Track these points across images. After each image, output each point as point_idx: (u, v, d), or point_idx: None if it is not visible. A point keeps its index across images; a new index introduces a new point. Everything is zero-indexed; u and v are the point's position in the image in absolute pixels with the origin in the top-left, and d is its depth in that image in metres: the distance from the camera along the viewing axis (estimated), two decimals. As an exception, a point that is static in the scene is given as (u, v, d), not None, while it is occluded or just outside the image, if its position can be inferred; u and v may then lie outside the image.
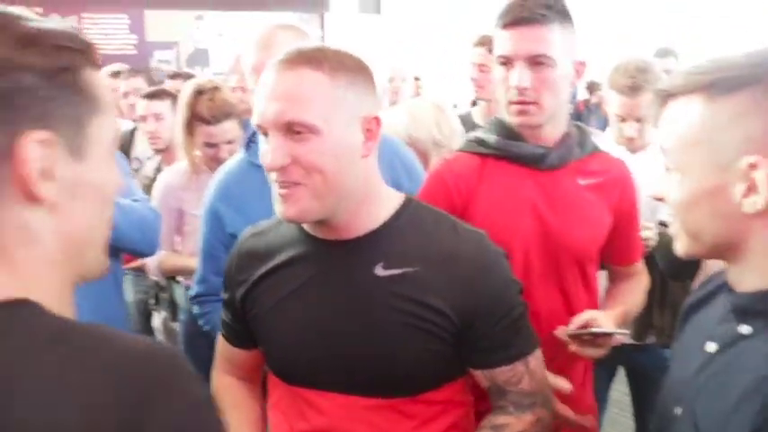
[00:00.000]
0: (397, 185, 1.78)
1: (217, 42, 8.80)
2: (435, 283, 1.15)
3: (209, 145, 2.43)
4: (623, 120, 2.32)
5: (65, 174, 0.70)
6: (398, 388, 1.18)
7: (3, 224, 0.68)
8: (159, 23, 8.64)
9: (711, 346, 0.97)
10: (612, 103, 2.39)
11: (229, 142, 2.41)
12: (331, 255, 1.18)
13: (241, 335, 1.33)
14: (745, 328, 0.93)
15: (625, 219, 1.65)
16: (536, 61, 1.48)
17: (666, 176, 0.97)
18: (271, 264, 1.24)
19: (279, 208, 1.13)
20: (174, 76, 4.23)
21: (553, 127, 1.56)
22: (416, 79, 6.22)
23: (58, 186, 0.70)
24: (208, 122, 2.41)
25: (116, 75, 4.03)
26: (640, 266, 1.78)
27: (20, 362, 0.63)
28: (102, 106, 0.74)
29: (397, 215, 1.19)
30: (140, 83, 3.68)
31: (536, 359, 1.24)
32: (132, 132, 3.59)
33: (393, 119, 2.22)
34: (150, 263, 2.61)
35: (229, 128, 2.42)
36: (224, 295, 1.35)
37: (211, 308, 1.83)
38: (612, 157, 1.69)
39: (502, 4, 1.53)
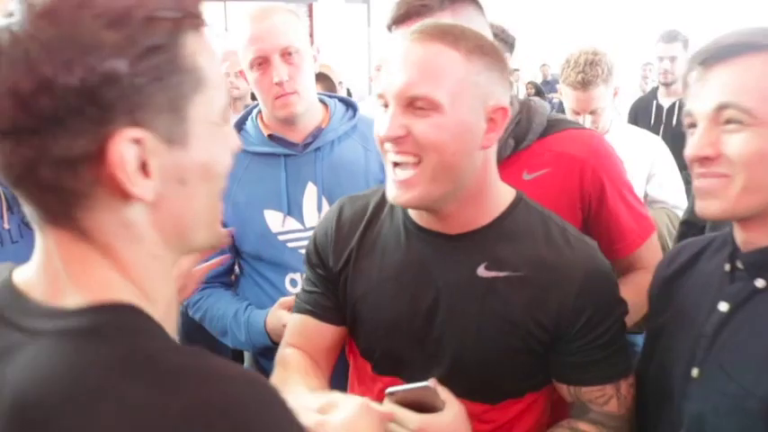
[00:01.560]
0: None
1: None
2: (537, 291, 1.09)
3: None
4: (577, 113, 2.38)
5: (165, 164, 0.64)
6: (482, 394, 1.15)
7: (105, 225, 0.64)
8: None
9: (724, 306, 1.02)
10: (566, 97, 2.46)
11: None
12: (434, 247, 1.14)
13: (331, 310, 1.25)
14: (760, 282, 0.99)
15: (596, 202, 1.44)
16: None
17: (711, 133, 0.95)
18: (371, 241, 1.20)
19: (391, 192, 1.08)
20: None
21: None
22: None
23: (158, 180, 0.64)
24: None
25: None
26: (644, 257, 1.49)
27: (110, 384, 0.58)
28: (206, 78, 0.65)
29: (507, 214, 1.14)
30: None
31: (628, 384, 1.16)
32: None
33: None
34: None
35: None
36: (311, 269, 1.29)
37: (200, 295, 1.81)
38: (578, 132, 1.50)
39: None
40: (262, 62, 1.65)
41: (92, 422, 0.55)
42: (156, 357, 0.60)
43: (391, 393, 1.04)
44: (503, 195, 1.16)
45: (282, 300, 1.65)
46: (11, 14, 0.59)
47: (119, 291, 0.65)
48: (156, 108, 0.62)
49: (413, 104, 1.03)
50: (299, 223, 1.73)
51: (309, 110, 1.73)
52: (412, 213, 1.16)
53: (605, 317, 1.11)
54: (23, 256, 1.55)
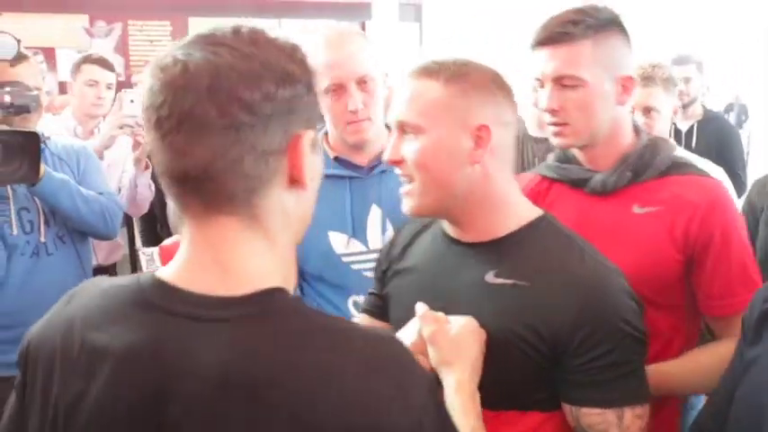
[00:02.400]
0: None
1: (258, 49, 8.86)
2: (540, 302, 1.12)
3: None
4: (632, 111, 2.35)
5: (309, 164, 0.81)
6: (483, 398, 1.14)
7: (272, 210, 0.78)
8: (202, 30, 8.71)
9: None
10: None
11: None
12: (453, 253, 1.23)
13: (381, 308, 1.39)
14: None
15: (701, 251, 1.38)
16: (563, 83, 1.40)
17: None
18: (415, 246, 1.33)
19: (402, 203, 1.22)
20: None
21: (606, 149, 1.46)
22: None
23: (308, 174, 0.81)
24: None
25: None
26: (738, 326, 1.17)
27: (292, 350, 0.72)
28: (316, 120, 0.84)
29: (525, 228, 1.20)
30: None
31: (635, 415, 1.12)
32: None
33: None
34: None
35: None
36: (375, 272, 1.43)
37: None
38: (700, 179, 1.46)
39: (545, 14, 1.46)
40: (337, 89, 1.68)
41: (292, 386, 0.69)
42: (325, 326, 0.76)
43: None
44: (523, 212, 1.22)
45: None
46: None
47: (274, 276, 0.78)
48: (315, 120, 0.82)
49: (404, 130, 1.19)
50: (362, 245, 1.74)
51: (377, 134, 1.74)
52: (443, 223, 1.26)
53: (606, 337, 1.11)
54: (58, 268, 1.88)
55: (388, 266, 1.37)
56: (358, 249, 1.73)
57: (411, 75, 1.21)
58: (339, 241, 1.73)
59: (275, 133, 0.76)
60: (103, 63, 3.06)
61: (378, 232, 1.74)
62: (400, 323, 1.24)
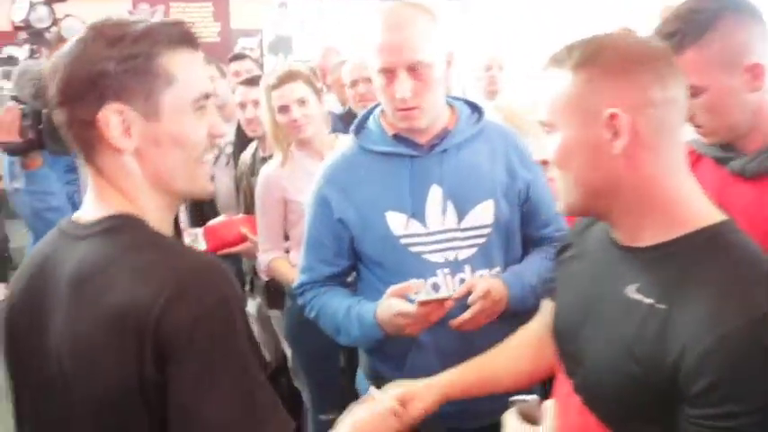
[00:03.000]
0: (512, 176, 1.72)
1: (300, 30, 8.82)
2: (669, 332, 0.97)
3: (282, 110, 2.46)
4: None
5: (143, 130, 1.01)
6: (601, 412, 1.09)
7: (106, 167, 1.03)
8: (243, 11, 8.72)
9: None
10: None
11: (300, 102, 2.45)
12: (608, 255, 1.13)
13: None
14: None
15: None
16: None
17: None
18: (584, 242, 1.25)
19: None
20: (233, 58, 4.12)
21: (752, 133, 1.41)
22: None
23: (137, 140, 1.01)
24: (275, 87, 2.47)
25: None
26: None
27: (120, 255, 0.98)
28: (175, 79, 1.01)
29: (689, 237, 1.03)
30: (213, 71, 3.52)
31: None
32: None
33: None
34: (260, 260, 2.62)
35: (296, 88, 2.46)
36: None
37: (314, 293, 1.78)
38: None
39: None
40: (387, 73, 1.61)
41: (117, 278, 0.95)
42: (156, 239, 1.02)
43: (512, 402, 1.24)
44: (694, 215, 1.05)
45: (393, 288, 1.59)
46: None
47: (123, 207, 1.03)
48: (134, 92, 0.99)
49: (548, 130, 1.11)
50: (422, 226, 1.67)
51: (432, 119, 1.68)
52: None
53: (735, 397, 0.90)
54: None
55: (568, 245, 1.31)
56: (417, 231, 1.67)
57: (544, 64, 1.13)
58: (397, 222, 1.67)
59: (87, 106, 1.00)
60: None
61: (438, 213, 1.67)
62: (554, 334, 1.25)
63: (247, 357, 0.94)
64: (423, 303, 1.52)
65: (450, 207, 1.67)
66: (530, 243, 1.81)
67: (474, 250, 1.68)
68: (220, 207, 3.34)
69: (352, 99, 3.15)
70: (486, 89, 3.77)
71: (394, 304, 1.57)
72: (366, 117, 1.80)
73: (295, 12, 8.83)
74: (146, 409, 0.92)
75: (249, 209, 2.77)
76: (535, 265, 1.74)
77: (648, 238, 1.06)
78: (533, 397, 1.24)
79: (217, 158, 3.46)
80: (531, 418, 1.21)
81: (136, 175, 1.03)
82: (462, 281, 1.67)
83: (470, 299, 1.58)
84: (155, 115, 1.00)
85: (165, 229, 1.07)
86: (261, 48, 8.69)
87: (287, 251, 2.60)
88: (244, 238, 2.72)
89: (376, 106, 1.80)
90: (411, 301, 1.54)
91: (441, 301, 1.54)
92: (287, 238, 2.60)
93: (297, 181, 2.45)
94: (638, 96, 1.02)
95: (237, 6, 8.70)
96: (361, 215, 1.69)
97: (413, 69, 1.58)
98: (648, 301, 1.01)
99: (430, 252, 1.66)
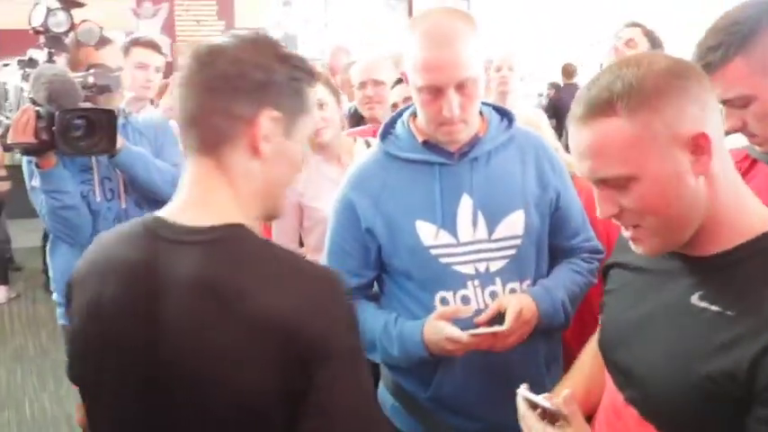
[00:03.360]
0: (543, 184, 1.67)
1: (305, 28, 8.77)
2: (738, 338, 0.96)
3: None
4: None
5: (279, 143, 1.06)
6: (659, 421, 1.05)
7: (235, 166, 1.05)
8: (247, 9, 8.67)
9: None
10: None
11: (319, 105, 2.33)
12: (662, 268, 1.12)
13: None
14: None
15: None
16: (734, 105, 1.34)
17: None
18: (625, 260, 1.21)
19: (632, 245, 1.11)
20: None
21: None
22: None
23: (272, 150, 1.05)
24: None
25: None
26: None
27: (249, 265, 1.00)
28: (309, 110, 1.10)
29: (751, 243, 1.03)
30: None
31: None
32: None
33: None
34: None
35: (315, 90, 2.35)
36: None
37: None
38: None
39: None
40: (433, 90, 1.54)
41: (251, 287, 0.96)
42: (276, 251, 1.03)
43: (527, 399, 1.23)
44: (753, 222, 1.04)
45: (442, 310, 1.56)
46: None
47: (232, 214, 1.03)
48: (287, 107, 1.06)
49: (608, 185, 1.04)
50: (452, 237, 1.61)
51: (470, 128, 1.62)
52: None
53: None
54: None
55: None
56: (447, 241, 1.60)
57: (578, 122, 1.04)
58: (427, 232, 1.60)
59: (247, 103, 1.03)
60: (153, 46, 3.07)
61: (468, 224, 1.60)
62: (605, 343, 1.22)
63: (365, 358, 1.04)
64: (476, 335, 1.50)
65: (481, 218, 1.61)
66: (557, 253, 1.75)
67: (505, 262, 1.63)
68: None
69: (360, 101, 3.06)
70: (496, 90, 3.70)
71: (443, 328, 1.52)
72: (393, 121, 1.73)
73: (300, 9, 8.78)
74: (279, 413, 0.95)
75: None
76: (565, 280, 1.68)
77: (712, 247, 1.05)
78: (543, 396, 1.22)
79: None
80: (548, 415, 1.19)
81: (258, 181, 1.06)
82: (493, 293, 1.61)
83: (506, 325, 1.52)
84: (291, 134, 1.07)
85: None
86: (265, 46, 8.64)
87: (303, 258, 2.52)
88: None
89: (405, 110, 1.73)
90: (461, 325, 1.51)
91: (493, 333, 1.51)
92: (301, 244, 2.53)
93: (313, 186, 2.39)
94: (699, 106, 1.01)
95: (242, 4, 8.66)
96: (389, 224, 1.63)
97: (461, 86, 1.53)
98: (715, 308, 1.00)
99: (460, 263, 1.60)
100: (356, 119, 3.30)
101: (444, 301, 1.60)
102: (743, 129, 1.36)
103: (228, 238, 1.01)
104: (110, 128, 2.16)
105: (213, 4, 8.70)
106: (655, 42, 2.88)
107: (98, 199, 2.32)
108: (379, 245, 1.65)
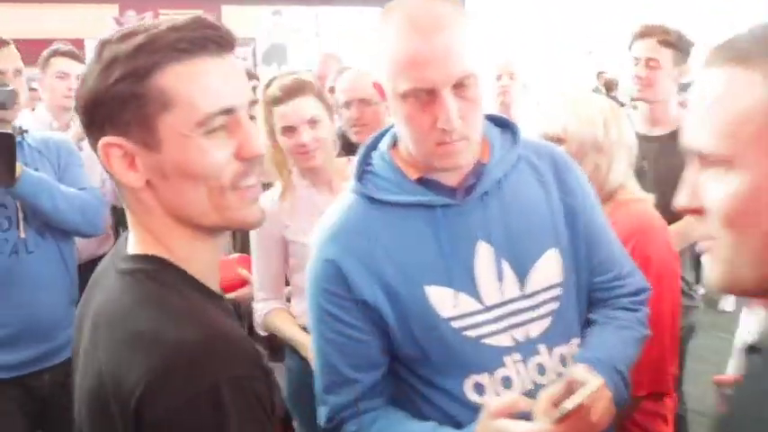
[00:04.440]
0: (572, 205, 1.32)
1: (294, 38, 8.52)
2: None
3: (287, 131, 2.02)
4: None
5: (147, 161, 0.89)
6: None
7: (127, 201, 0.95)
8: (235, 19, 8.43)
9: None
10: None
11: (311, 122, 2.00)
12: None
13: None
14: None
15: None
16: None
17: None
18: None
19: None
20: None
21: None
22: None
23: (144, 172, 0.90)
24: (279, 101, 2.01)
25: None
26: None
27: (127, 310, 0.89)
28: (175, 100, 0.87)
29: None
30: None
31: None
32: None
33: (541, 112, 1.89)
34: (255, 311, 2.19)
35: (306, 104, 2.00)
36: None
37: (357, 426, 1.28)
38: None
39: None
40: (421, 95, 1.16)
41: (115, 338, 0.87)
42: (165, 296, 0.89)
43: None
44: None
45: (496, 408, 1.13)
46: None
47: (150, 245, 0.94)
48: (127, 122, 0.88)
49: (707, 162, 0.76)
50: (475, 301, 1.25)
51: (474, 147, 1.25)
52: None
53: None
54: (39, 266, 2.12)
55: None
56: (470, 308, 1.24)
57: (710, 61, 0.76)
58: (442, 299, 1.23)
59: (94, 140, 0.91)
60: (73, 55, 3.05)
61: (492, 279, 1.25)
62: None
63: None
64: (563, 418, 1.08)
65: (507, 268, 1.26)
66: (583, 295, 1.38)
67: (548, 322, 1.28)
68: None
69: (346, 124, 2.67)
70: (496, 102, 3.41)
71: (509, 427, 1.11)
72: (367, 155, 1.34)
73: (290, 19, 8.54)
74: None
75: (244, 247, 2.33)
76: (624, 346, 1.34)
77: None
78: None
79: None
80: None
81: (154, 210, 0.92)
82: (540, 367, 1.27)
83: (593, 416, 1.12)
84: (155, 145, 0.88)
85: (204, 265, 0.96)
86: (254, 57, 8.40)
87: (288, 299, 2.19)
88: (243, 282, 2.25)
89: (378, 139, 1.35)
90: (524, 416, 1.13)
91: (582, 407, 1.09)
92: (287, 282, 2.20)
93: (299, 217, 2.05)
94: None
95: (229, 14, 8.44)
96: (391, 296, 1.24)
97: (459, 86, 1.16)
98: None
99: (492, 334, 1.25)
100: (344, 143, 2.87)
101: (479, 389, 1.25)
102: None
103: (133, 272, 0.92)
104: (7, 154, 1.90)
105: (200, 14, 8.45)
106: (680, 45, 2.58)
107: None
108: (386, 323, 1.26)
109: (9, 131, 1.97)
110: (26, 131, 2.23)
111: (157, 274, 0.91)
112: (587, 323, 1.38)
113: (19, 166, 1.98)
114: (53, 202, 2.09)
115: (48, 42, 3.20)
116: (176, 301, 0.88)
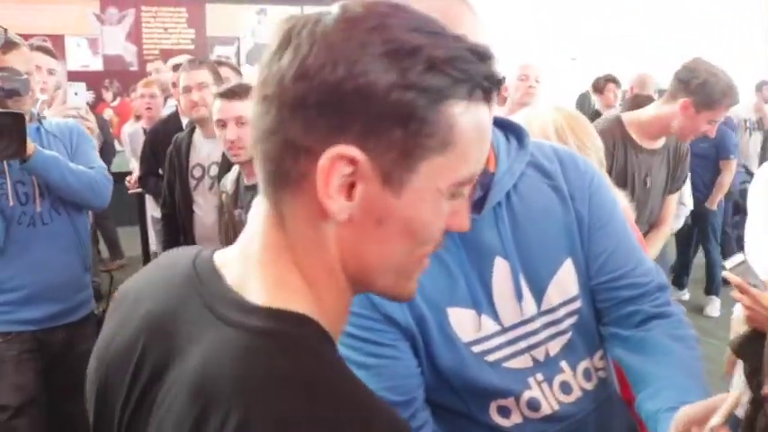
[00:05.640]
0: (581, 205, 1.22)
1: (279, 38, 8.49)
2: None
3: None
4: None
5: (371, 197, 0.67)
6: None
7: (299, 219, 0.69)
8: (220, 17, 8.34)
9: None
10: None
11: None
12: None
13: None
14: None
15: None
16: None
17: None
18: None
19: None
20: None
21: None
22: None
23: (357, 208, 0.67)
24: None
25: (176, 68, 3.67)
26: None
27: (262, 388, 0.62)
28: (455, 145, 0.67)
29: None
30: (205, 76, 3.14)
31: None
32: (191, 133, 3.14)
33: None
34: None
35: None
36: None
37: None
38: None
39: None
40: None
41: (250, 418, 0.59)
42: (320, 384, 0.63)
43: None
44: None
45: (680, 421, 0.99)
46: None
47: (298, 296, 0.69)
48: (384, 143, 0.64)
49: None
50: (495, 323, 1.17)
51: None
52: None
53: None
54: (54, 236, 2.41)
55: None
56: (491, 330, 1.17)
57: None
58: (464, 322, 1.15)
59: (313, 128, 0.65)
60: (44, 49, 3.13)
61: (510, 297, 1.17)
62: None
63: None
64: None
65: (524, 285, 1.18)
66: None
67: (567, 337, 1.21)
68: (198, 238, 3.00)
69: None
70: (517, 100, 3.36)
71: None
72: None
73: (275, 18, 8.45)
74: None
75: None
76: (690, 370, 1.18)
77: None
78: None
79: (199, 181, 3.02)
80: None
81: (330, 249, 0.70)
82: (565, 385, 1.20)
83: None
84: (397, 185, 0.66)
85: (337, 322, 0.74)
86: (238, 57, 8.32)
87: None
88: None
89: None
90: None
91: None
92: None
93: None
94: None
95: (213, 12, 8.35)
96: (416, 320, 1.15)
97: None
98: None
99: (512, 356, 1.18)
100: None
101: (504, 412, 1.18)
102: None
103: (270, 335, 0.65)
104: (18, 132, 2.14)
105: (183, 12, 8.33)
106: None
107: (11, 203, 2.30)
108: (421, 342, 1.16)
109: (20, 111, 2.18)
110: (44, 118, 2.50)
111: (309, 339, 0.68)
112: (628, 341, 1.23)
113: (32, 145, 2.23)
114: (62, 176, 2.33)
115: (27, 38, 3.18)
116: (333, 371, 0.67)
